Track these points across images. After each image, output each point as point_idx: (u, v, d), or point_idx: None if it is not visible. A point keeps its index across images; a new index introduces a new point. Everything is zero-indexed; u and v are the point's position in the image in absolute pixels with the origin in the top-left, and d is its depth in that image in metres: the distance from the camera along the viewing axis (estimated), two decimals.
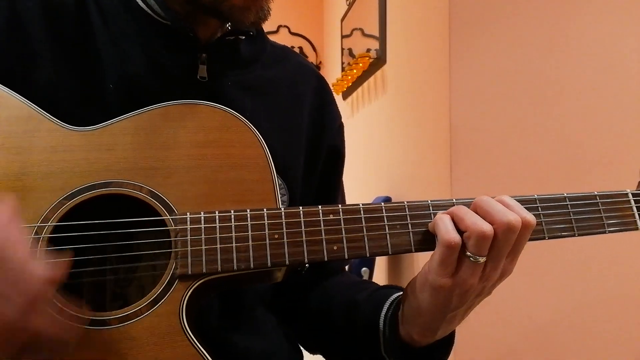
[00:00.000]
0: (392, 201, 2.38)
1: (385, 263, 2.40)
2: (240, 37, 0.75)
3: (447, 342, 0.68)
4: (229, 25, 0.75)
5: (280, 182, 0.74)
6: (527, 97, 1.72)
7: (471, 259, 0.57)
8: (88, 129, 0.60)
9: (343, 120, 0.90)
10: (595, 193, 0.65)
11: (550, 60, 1.73)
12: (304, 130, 0.80)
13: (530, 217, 0.58)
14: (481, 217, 0.58)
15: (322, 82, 0.86)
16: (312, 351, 0.84)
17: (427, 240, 0.61)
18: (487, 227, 0.56)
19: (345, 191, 0.92)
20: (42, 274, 0.48)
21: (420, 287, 0.61)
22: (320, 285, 0.82)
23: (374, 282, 0.83)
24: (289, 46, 0.92)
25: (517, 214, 0.58)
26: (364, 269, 2.14)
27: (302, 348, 0.85)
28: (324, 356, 0.82)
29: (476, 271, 0.58)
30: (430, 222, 0.61)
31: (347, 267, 0.94)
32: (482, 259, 0.57)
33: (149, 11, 0.69)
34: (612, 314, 1.72)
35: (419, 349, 0.67)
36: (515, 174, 1.69)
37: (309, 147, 0.81)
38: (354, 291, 0.77)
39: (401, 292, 0.70)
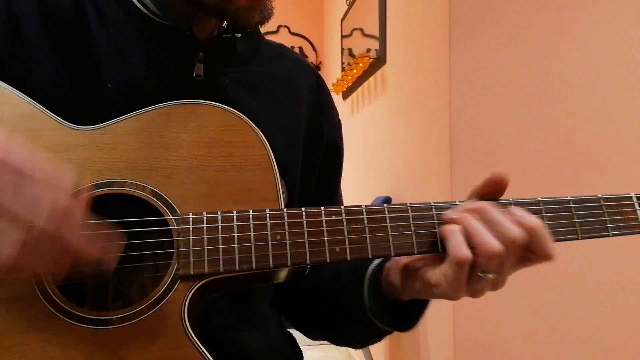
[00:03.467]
0: (393, 201, 2.38)
1: None
2: (237, 35, 0.75)
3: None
4: (225, 24, 0.75)
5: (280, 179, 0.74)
6: (528, 97, 1.72)
7: (480, 275, 0.57)
8: (91, 128, 0.60)
9: (343, 120, 0.90)
10: (600, 196, 0.65)
11: (551, 60, 1.73)
12: (301, 127, 0.81)
13: (534, 222, 0.58)
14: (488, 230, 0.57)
15: (318, 79, 0.86)
16: (313, 336, 0.85)
17: (430, 243, 0.61)
18: (497, 248, 0.55)
19: (345, 191, 0.92)
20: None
21: (428, 284, 0.61)
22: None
23: None
24: (289, 46, 0.92)
25: (521, 226, 0.57)
26: None
27: (305, 347, 0.85)
28: (323, 336, 0.83)
29: (487, 285, 0.58)
30: (437, 225, 0.61)
31: None
32: (491, 276, 0.57)
33: (146, 11, 0.69)
34: (612, 315, 1.72)
35: (404, 303, 0.69)
36: (515, 174, 1.68)
37: (307, 144, 0.81)
38: (338, 265, 0.78)
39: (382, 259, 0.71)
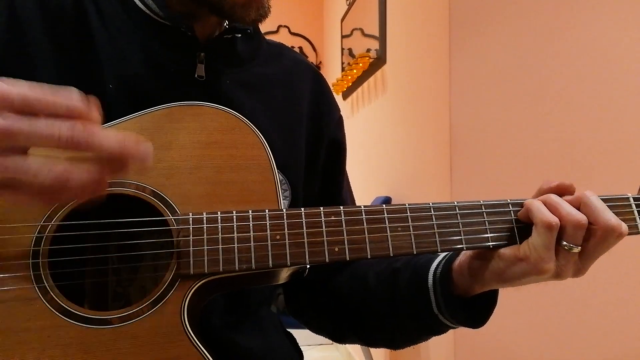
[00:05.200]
0: (392, 201, 2.37)
1: None
2: (237, 35, 0.75)
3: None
4: (226, 24, 0.75)
5: (281, 178, 0.74)
6: (527, 97, 1.72)
7: (566, 247, 0.59)
8: None
9: (343, 119, 0.90)
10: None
11: (551, 60, 1.73)
12: (303, 125, 0.81)
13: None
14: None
15: (318, 77, 0.87)
16: (346, 340, 0.84)
17: (429, 243, 0.61)
18: (582, 217, 0.59)
19: None
20: None
21: (512, 260, 0.62)
22: (343, 272, 0.81)
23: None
24: (289, 46, 0.92)
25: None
26: None
27: (305, 347, 0.85)
28: (355, 337, 0.81)
29: (572, 260, 0.60)
30: (435, 226, 0.61)
31: None
32: (577, 249, 0.60)
33: (147, 11, 0.69)
34: (612, 315, 1.73)
35: (472, 298, 0.68)
36: (515, 174, 1.69)
37: (310, 142, 0.81)
38: (387, 263, 0.76)
39: (448, 253, 0.71)
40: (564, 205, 0.60)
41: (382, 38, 2.46)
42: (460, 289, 0.68)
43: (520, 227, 0.63)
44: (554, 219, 0.59)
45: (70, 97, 0.46)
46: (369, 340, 0.81)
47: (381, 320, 0.76)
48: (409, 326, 0.74)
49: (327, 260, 0.59)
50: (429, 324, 0.71)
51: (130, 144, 0.47)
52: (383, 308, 0.75)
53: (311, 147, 0.81)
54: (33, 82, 0.46)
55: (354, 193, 0.91)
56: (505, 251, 0.63)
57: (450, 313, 0.68)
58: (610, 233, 0.60)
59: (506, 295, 0.70)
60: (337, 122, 0.87)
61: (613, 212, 0.62)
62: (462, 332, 0.68)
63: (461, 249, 0.63)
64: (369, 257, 0.60)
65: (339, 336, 0.83)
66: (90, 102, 0.46)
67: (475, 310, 0.69)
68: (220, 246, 0.57)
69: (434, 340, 0.70)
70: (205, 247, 0.57)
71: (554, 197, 0.61)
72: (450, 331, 0.72)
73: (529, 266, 0.61)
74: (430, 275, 0.70)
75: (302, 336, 0.87)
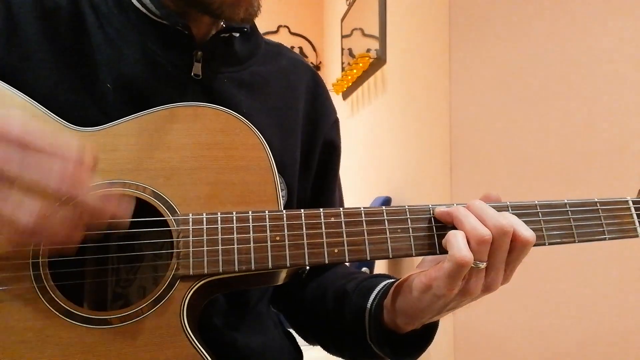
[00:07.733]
0: (392, 201, 2.37)
1: (385, 262, 2.41)
2: (234, 34, 0.75)
3: (432, 327, 0.69)
4: (223, 23, 0.75)
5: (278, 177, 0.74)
6: (528, 97, 1.72)
7: (472, 265, 0.57)
8: (92, 130, 0.60)
9: (342, 120, 0.90)
10: (596, 200, 0.66)
11: (551, 60, 1.73)
12: (299, 125, 0.81)
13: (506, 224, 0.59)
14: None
15: (316, 78, 0.87)
16: (311, 342, 0.85)
17: (428, 245, 0.61)
18: (485, 232, 0.57)
19: (345, 192, 0.92)
20: None
21: (421, 289, 0.61)
22: (318, 277, 0.83)
23: (364, 273, 0.83)
24: (289, 46, 0.92)
25: (507, 221, 0.58)
26: (364, 268, 2.15)
27: (305, 347, 0.85)
28: (321, 346, 0.83)
29: (479, 277, 0.59)
30: (434, 228, 0.61)
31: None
32: (482, 265, 0.58)
33: (144, 10, 0.70)
34: (611, 314, 1.73)
35: (404, 335, 0.68)
36: (515, 174, 1.69)
37: (305, 142, 0.81)
38: (345, 281, 0.78)
39: (388, 281, 0.71)
40: (469, 219, 0.59)
41: (382, 38, 2.46)
42: (391, 323, 0.68)
43: None
44: (468, 256, 0.57)
45: (68, 143, 0.47)
46: (330, 351, 0.83)
47: (336, 338, 0.78)
48: (354, 350, 0.75)
49: (326, 261, 0.59)
50: (367, 352, 0.72)
51: (112, 204, 0.49)
52: (335, 329, 0.77)
53: (307, 147, 0.82)
54: (35, 122, 0.48)
55: (354, 193, 0.91)
56: (421, 276, 0.62)
57: (379, 345, 0.69)
58: (504, 234, 0.58)
59: (506, 294, 0.70)
60: (333, 124, 0.87)
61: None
62: (462, 331, 0.68)
63: None
64: (368, 259, 0.60)
65: (307, 339, 0.85)
66: (86, 150, 0.48)
67: (406, 345, 0.68)
68: (219, 247, 0.57)
69: (434, 339, 0.70)
70: (205, 248, 0.57)
71: (462, 211, 0.60)
72: (450, 329, 0.72)
73: (436, 290, 0.59)
74: (367, 306, 0.71)
75: None
